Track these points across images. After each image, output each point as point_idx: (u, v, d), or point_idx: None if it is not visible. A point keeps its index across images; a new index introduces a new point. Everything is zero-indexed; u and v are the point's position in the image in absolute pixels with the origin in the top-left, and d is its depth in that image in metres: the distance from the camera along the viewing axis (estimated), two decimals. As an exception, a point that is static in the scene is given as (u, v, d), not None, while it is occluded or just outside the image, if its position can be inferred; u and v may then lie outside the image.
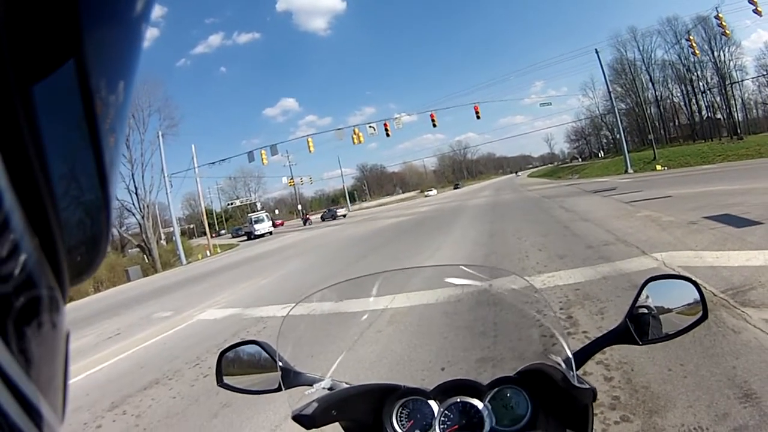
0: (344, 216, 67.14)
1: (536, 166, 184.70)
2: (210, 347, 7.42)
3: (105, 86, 0.36)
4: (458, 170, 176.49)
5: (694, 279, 1.35)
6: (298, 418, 1.27)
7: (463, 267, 1.57)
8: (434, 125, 46.26)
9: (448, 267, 2.27)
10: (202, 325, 9.70)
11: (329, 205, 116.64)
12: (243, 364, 1.52)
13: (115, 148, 0.40)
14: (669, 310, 1.31)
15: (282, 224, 67.68)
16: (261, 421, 4.38)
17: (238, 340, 1.54)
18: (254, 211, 72.85)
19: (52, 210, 0.34)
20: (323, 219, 68.79)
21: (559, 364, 1.25)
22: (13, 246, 0.31)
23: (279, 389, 1.39)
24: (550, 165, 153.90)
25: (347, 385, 1.42)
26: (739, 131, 64.60)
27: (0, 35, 0.30)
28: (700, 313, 1.29)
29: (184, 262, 40.64)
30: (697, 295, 1.31)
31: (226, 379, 1.49)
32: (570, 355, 1.25)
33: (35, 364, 0.33)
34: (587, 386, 1.20)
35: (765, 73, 70.94)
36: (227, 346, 1.53)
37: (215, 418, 4.69)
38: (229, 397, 4.71)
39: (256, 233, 59.30)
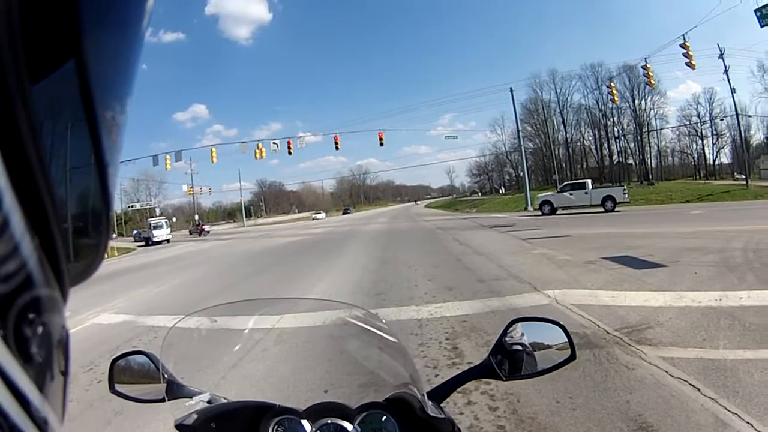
0: (208, 233, 71.44)
1: (434, 197, 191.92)
2: (103, 352, 7.48)
3: (105, 88, 0.38)
4: (356, 194, 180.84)
5: (559, 322, 1.47)
6: (181, 427, 1.37)
7: (318, 301, 1.70)
8: (337, 148, 49.36)
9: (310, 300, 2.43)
10: (97, 329, 9.77)
11: (225, 218, 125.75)
12: (133, 373, 1.61)
13: (116, 149, 0.41)
14: (546, 347, 1.46)
15: None
16: (151, 430, 4.48)
17: (130, 348, 1.71)
18: (153, 216, 76.80)
19: (52, 210, 0.36)
20: (190, 233, 72.57)
21: (417, 394, 1.35)
22: (13, 246, 0.32)
23: (163, 400, 1.48)
24: (449, 197, 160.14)
25: (226, 400, 1.53)
26: (650, 177, 70.44)
27: (0, 35, 0.31)
28: (569, 353, 1.43)
29: (81, 261, 40.27)
30: (564, 337, 1.45)
31: (118, 387, 1.59)
32: (423, 389, 1.35)
33: (35, 364, 0.35)
34: (444, 417, 1.31)
35: (687, 123, 77.66)
36: (119, 354, 1.62)
37: (109, 425, 4.79)
38: (122, 405, 4.61)
39: (155, 239, 59.03)
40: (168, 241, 59.22)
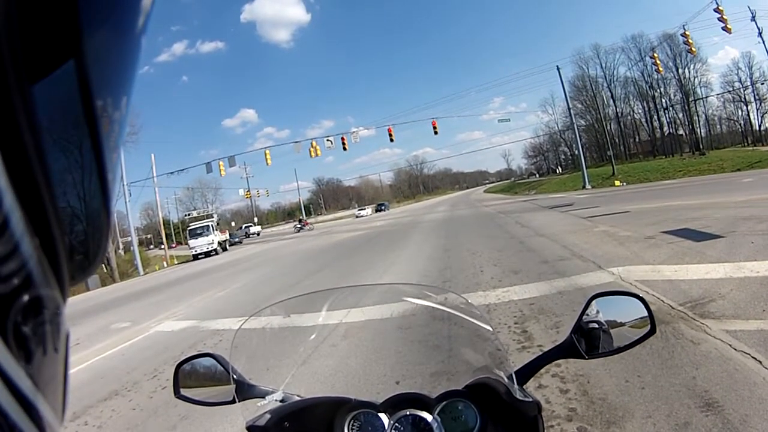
0: (257, 234, 73.01)
1: (492, 182, 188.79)
2: (167, 359, 7.50)
3: (105, 87, 0.38)
4: (414, 185, 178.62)
5: (639, 295, 1.43)
6: (252, 429, 1.33)
7: (406, 285, 1.67)
8: (391, 140, 47.68)
9: (394, 285, 2.36)
10: (160, 336, 9.77)
11: (285, 218, 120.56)
12: (199, 376, 1.58)
13: (115, 147, 0.41)
14: (621, 324, 1.39)
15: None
16: (220, 433, 4.51)
17: (195, 353, 1.62)
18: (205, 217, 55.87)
19: (52, 210, 0.35)
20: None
21: (503, 378, 1.32)
22: (13, 246, 0.32)
23: (233, 401, 1.45)
24: (507, 181, 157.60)
25: (299, 398, 1.48)
26: (701, 147, 67.58)
27: (0, 35, 0.31)
28: (648, 327, 1.36)
29: (142, 272, 40.43)
30: (644, 311, 1.39)
31: (183, 391, 1.56)
32: (511, 370, 1.34)
33: (35, 364, 0.34)
34: (530, 399, 1.27)
35: (731, 89, 74.22)
36: (183, 358, 1.59)
37: (174, 430, 4.75)
38: (188, 410, 4.80)
39: (193, 252, 44.39)
40: (216, 252, 43.83)
